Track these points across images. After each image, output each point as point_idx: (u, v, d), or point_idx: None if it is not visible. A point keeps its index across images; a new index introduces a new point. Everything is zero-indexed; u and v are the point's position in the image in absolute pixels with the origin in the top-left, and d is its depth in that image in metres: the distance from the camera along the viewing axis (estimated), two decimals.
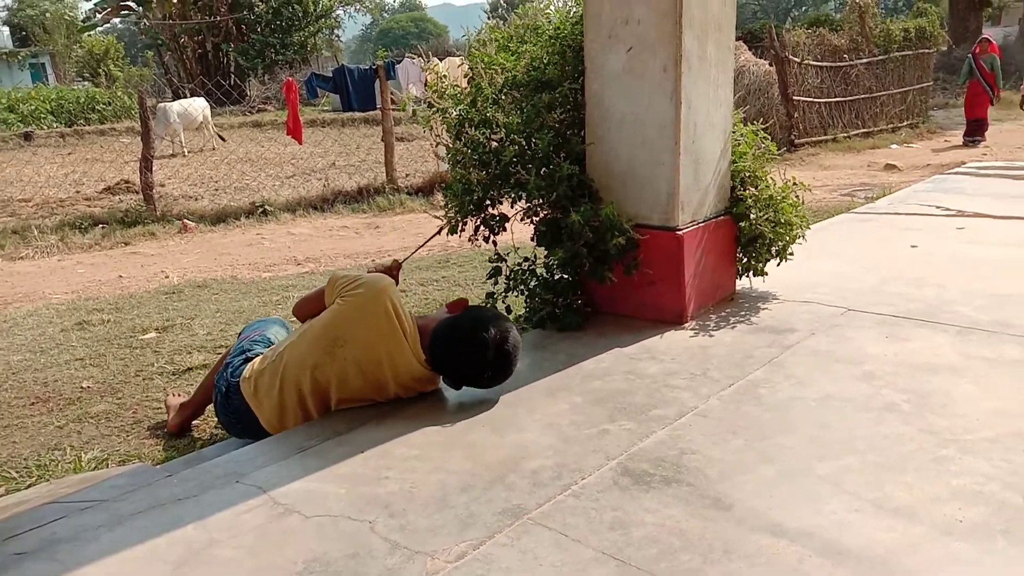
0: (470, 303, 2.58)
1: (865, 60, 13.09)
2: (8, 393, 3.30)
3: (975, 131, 11.71)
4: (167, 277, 5.82)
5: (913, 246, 4.27)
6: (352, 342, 2.39)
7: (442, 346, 2.43)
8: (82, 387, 3.32)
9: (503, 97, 3.21)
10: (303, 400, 2.44)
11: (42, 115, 19.05)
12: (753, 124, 3.54)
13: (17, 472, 2.59)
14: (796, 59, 11.78)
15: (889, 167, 9.61)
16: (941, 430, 2.16)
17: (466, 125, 3.21)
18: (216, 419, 2.88)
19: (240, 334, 2.94)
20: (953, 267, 3.80)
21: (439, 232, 3.27)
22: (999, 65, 11.91)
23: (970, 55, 12.03)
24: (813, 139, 11.84)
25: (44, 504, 2.04)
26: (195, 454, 2.56)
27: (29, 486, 2.46)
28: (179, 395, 3.06)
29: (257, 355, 2.63)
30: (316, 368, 2.41)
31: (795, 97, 11.60)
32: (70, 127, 18.13)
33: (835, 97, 12.48)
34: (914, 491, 1.86)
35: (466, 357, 2.42)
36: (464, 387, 2.53)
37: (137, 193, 8.89)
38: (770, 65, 11.85)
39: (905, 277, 3.65)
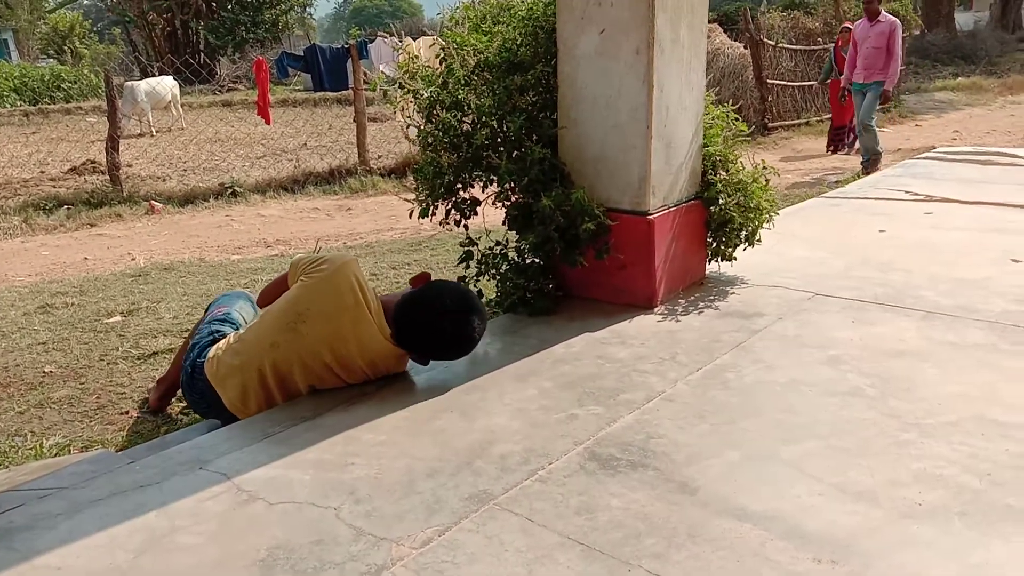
0: (433, 278, 2.59)
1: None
2: None
3: (841, 138, 9.39)
4: (133, 259, 5.72)
5: (881, 231, 4.31)
6: (315, 317, 2.38)
7: (403, 319, 2.45)
8: (44, 372, 3.25)
9: (475, 79, 3.17)
10: (264, 381, 2.41)
11: (5, 93, 18.52)
12: (724, 105, 3.54)
13: None
14: (771, 42, 11.80)
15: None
16: (904, 414, 2.19)
17: (437, 107, 3.17)
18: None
19: (207, 309, 2.90)
20: (920, 252, 3.85)
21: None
22: None
23: (832, 48, 9.90)
24: (786, 123, 11.89)
25: (1, 492, 2.00)
26: (159, 440, 2.52)
27: None
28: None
29: (224, 336, 2.60)
30: (275, 347, 2.39)
31: (769, 80, 11.63)
32: (34, 106, 17.64)
33: (809, 80, 12.53)
34: (876, 475, 1.89)
35: (426, 328, 2.44)
36: (432, 363, 2.56)
37: (103, 174, 8.69)
38: (745, 48, 11.85)
39: (873, 262, 3.68)
